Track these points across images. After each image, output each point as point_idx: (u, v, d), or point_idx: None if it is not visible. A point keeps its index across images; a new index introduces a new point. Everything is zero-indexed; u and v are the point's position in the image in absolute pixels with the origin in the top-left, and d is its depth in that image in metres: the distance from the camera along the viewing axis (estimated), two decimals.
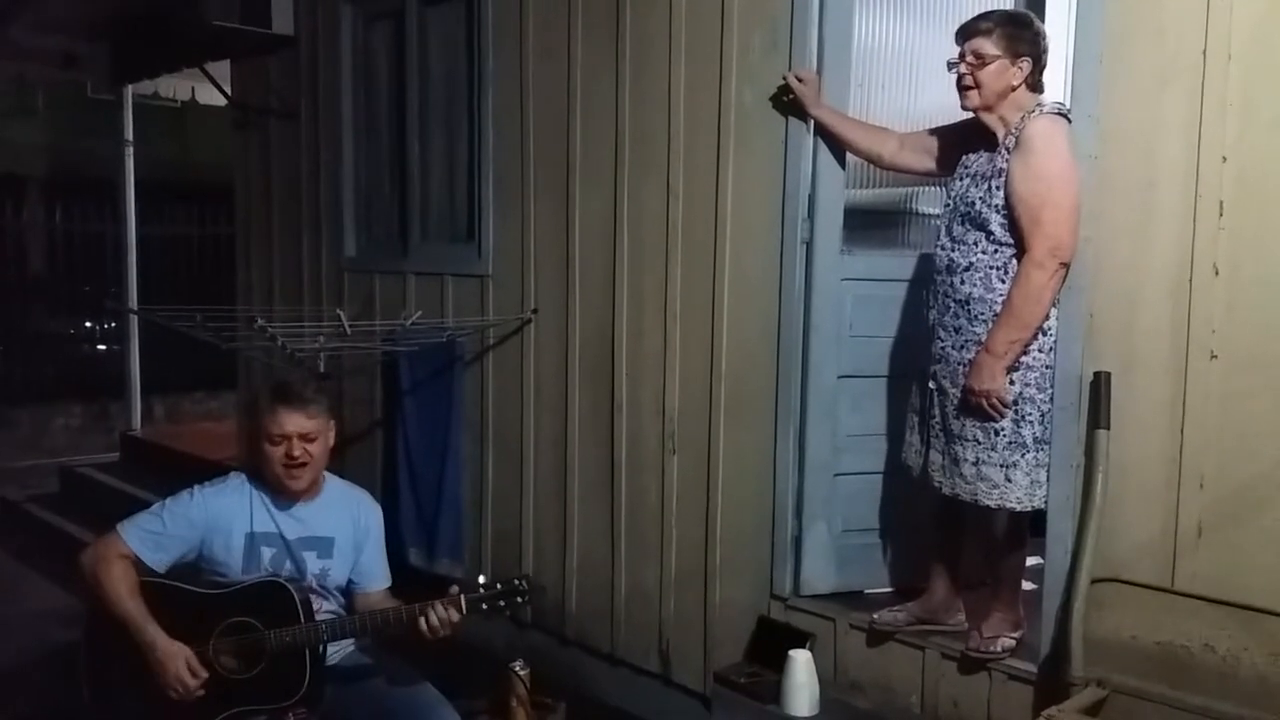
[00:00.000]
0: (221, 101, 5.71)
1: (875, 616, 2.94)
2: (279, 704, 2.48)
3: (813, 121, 3.02)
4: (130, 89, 6.93)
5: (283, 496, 2.66)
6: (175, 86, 7.21)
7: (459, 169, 4.25)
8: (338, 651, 2.70)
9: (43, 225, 9.19)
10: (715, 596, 3.33)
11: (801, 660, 2.87)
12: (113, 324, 8.91)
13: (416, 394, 4.08)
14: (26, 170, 9.79)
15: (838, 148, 3.05)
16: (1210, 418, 2.36)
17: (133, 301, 6.89)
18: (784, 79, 3.03)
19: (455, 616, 2.44)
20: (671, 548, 3.45)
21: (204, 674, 2.45)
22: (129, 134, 7.04)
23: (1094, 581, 2.49)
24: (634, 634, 3.59)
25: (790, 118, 3.06)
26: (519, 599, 2.48)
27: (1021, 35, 2.66)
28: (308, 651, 2.48)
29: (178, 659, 2.44)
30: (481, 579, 2.53)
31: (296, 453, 2.59)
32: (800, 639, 3.00)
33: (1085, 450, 2.53)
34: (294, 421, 2.60)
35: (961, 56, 2.68)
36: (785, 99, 3.05)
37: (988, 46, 2.64)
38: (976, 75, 2.66)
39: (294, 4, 4.83)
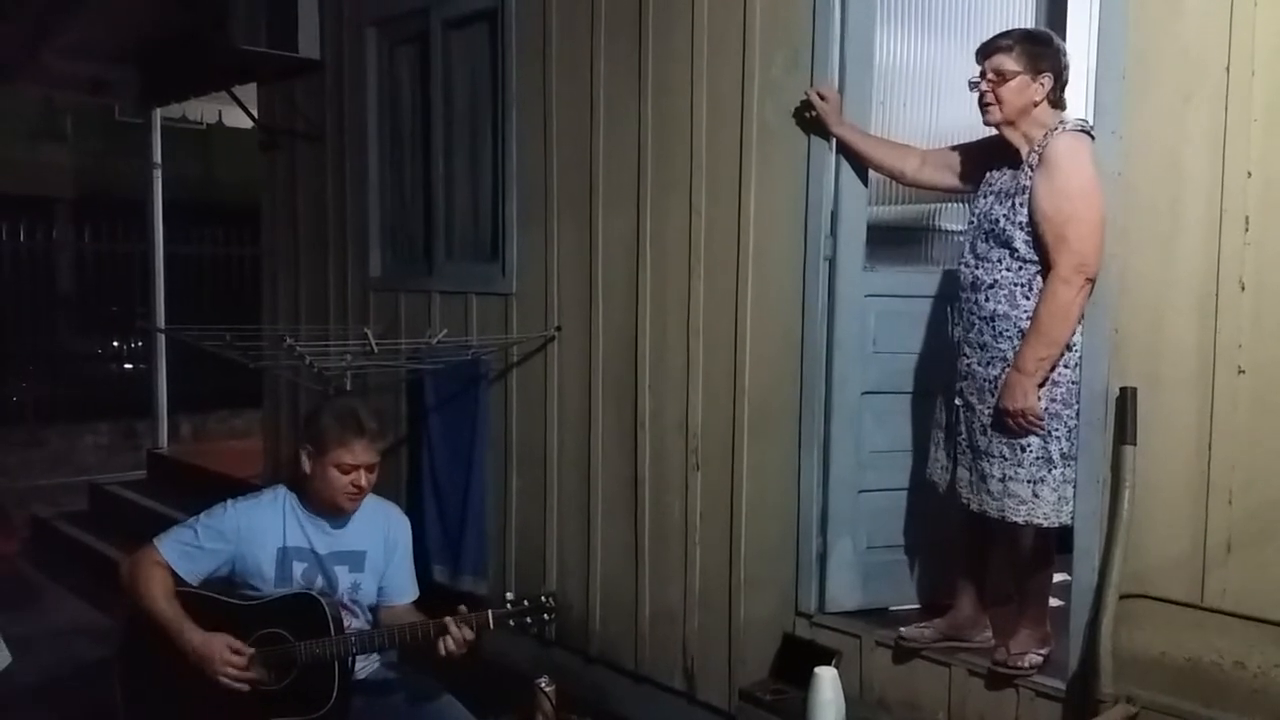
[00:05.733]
0: (248, 124, 5.80)
1: (901, 633, 2.93)
2: (306, 716, 2.49)
3: (835, 139, 3.04)
4: (158, 112, 7.04)
5: (325, 514, 2.69)
6: (202, 109, 7.33)
7: (483, 189, 4.29)
8: (364, 666, 2.71)
9: (71, 246, 9.32)
10: (740, 613, 3.33)
11: (827, 678, 2.85)
12: (139, 343, 9.02)
13: (441, 412, 4.11)
14: (56, 192, 9.95)
15: (860, 164, 3.06)
16: (1238, 432, 2.34)
17: (160, 320, 6.98)
18: (806, 95, 3.05)
19: (469, 634, 2.47)
20: (695, 564, 3.45)
21: (249, 650, 2.49)
22: (157, 156, 7.16)
23: (1122, 597, 2.47)
24: (658, 651, 3.59)
25: (812, 135, 3.08)
26: (545, 615, 2.51)
27: (1042, 52, 2.67)
28: (336, 664, 2.50)
29: (218, 643, 2.48)
30: (509, 595, 2.56)
31: (363, 483, 2.65)
32: (826, 656, 3.00)
33: (1112, 466, 2.51)
34: (366, 454, 2.65)
35: (983, 75, 2.70)
36: (807, 115, 3.07)
37: (1008, 63, 2.66)
38: (998, 92, 2.67)
39: (320, 28, 4.90)
